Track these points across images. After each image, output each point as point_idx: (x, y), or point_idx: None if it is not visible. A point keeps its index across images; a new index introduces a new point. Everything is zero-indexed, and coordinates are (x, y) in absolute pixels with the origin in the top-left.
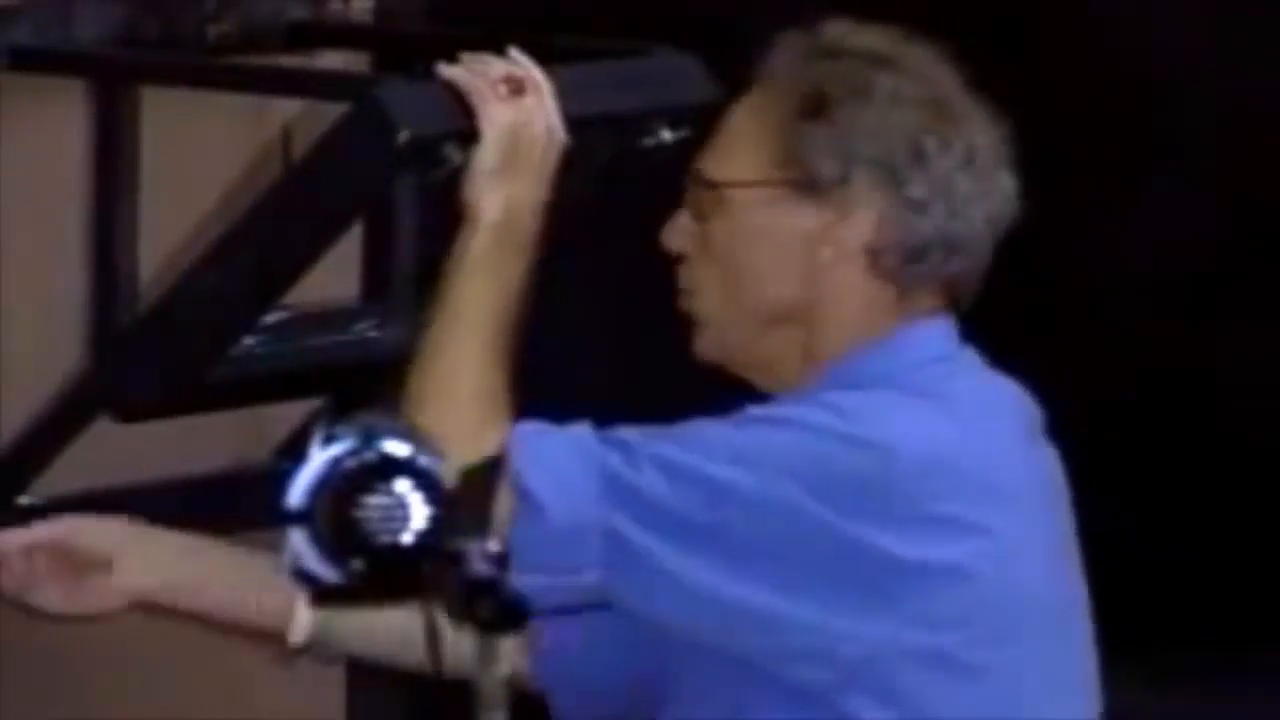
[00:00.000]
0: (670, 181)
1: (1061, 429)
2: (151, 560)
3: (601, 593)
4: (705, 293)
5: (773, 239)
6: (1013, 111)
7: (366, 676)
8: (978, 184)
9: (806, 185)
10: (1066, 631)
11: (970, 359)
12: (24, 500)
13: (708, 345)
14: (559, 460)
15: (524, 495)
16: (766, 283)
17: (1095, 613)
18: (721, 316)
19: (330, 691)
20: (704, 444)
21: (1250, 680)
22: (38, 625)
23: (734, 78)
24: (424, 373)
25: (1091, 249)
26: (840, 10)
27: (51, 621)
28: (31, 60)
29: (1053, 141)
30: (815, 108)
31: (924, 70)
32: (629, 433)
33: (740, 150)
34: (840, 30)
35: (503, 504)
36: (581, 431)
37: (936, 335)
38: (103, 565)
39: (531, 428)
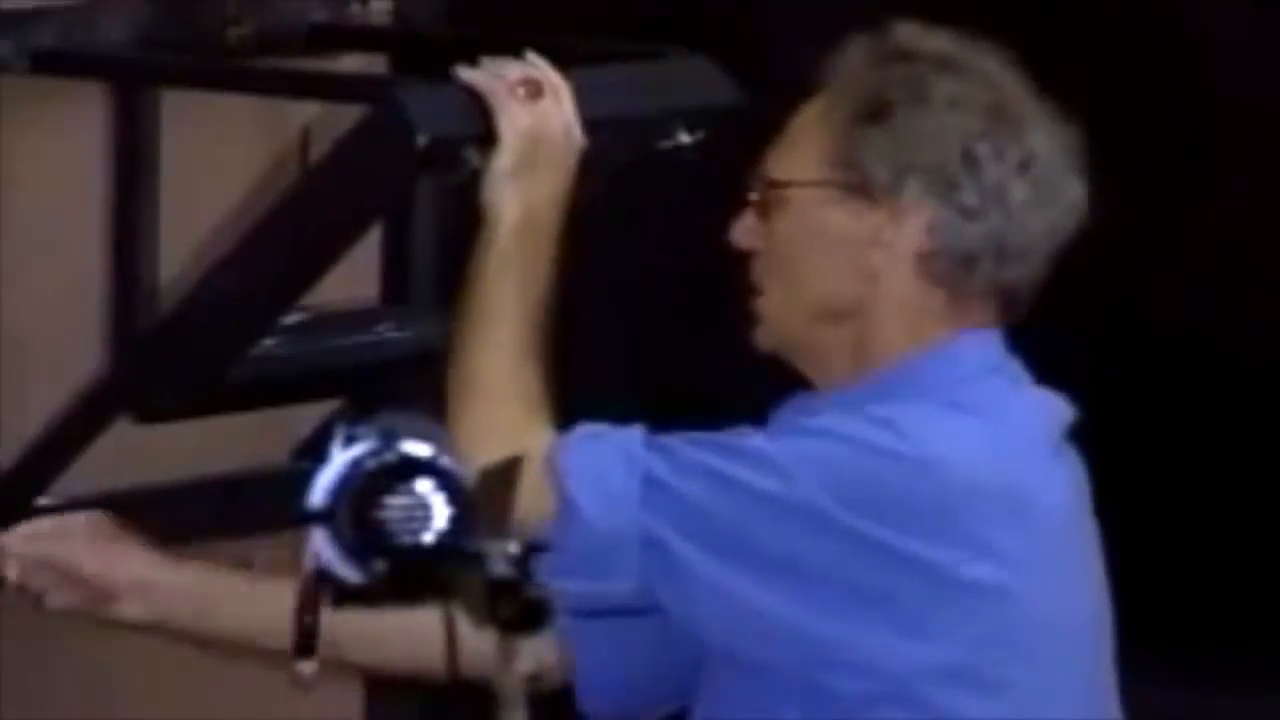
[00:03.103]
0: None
1: (1091, 428)
2: (153, 601)
3: (639, 597)
4: (768, 288)
5: (827, 239)
6: (1076, 117)
7: (384, 678)
8: (1035, 191)
9: (859, 188)
10: (1088, 650)
11: (1015, 372)
12: (45, 500)
13: (765, 336)
14: (603, 465)
15: (566, 499)
16: (820, 280)
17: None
18: (779, 310)
19: (349, 692)
20: (748, 455)
21: (1263, 677)
22: (55, 633)
23: (749, 80)
24: (460, 373)
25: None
26: (868, 15)
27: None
28: (54, 63)
29: (1115, 148)
30: (873, 112)
31: (988, 75)
32: (675, 440)
33: (801, 150)
34: (908, 33)
35: (547, 505)
36: (630, 436)
37: (986, 347)
38: (102, 592)
39: (580, 432)
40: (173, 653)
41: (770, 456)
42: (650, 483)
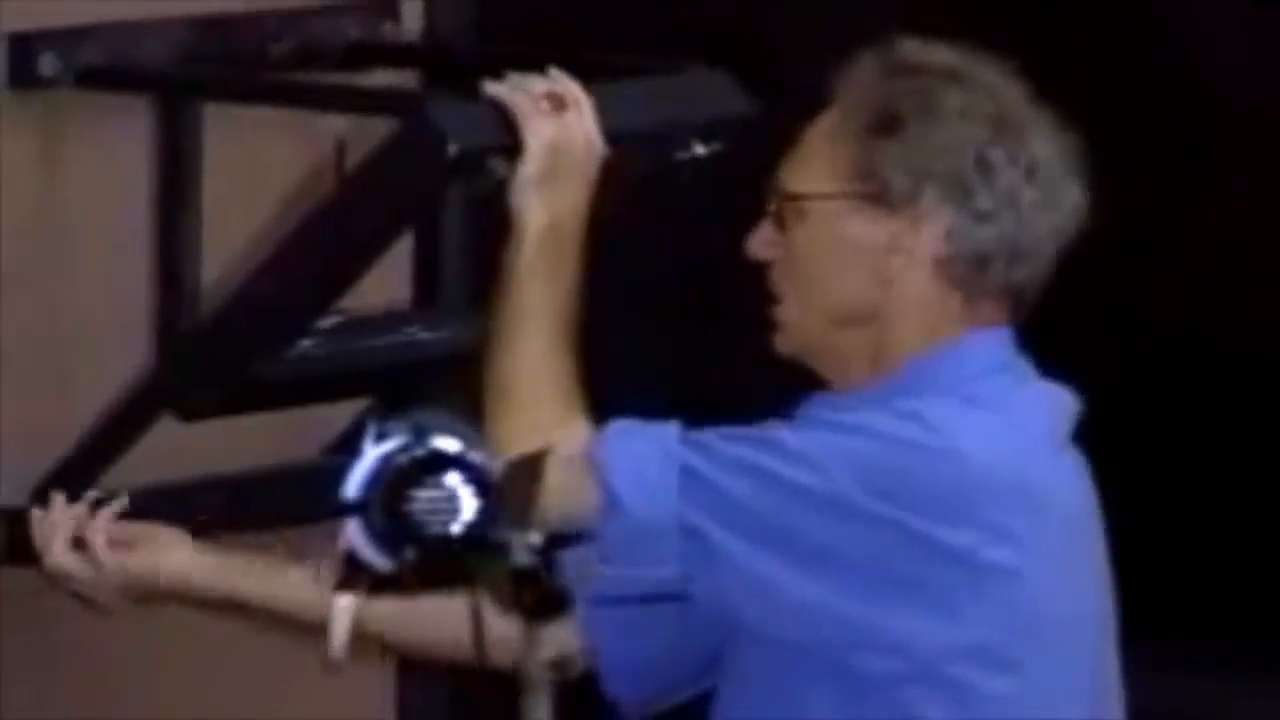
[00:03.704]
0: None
1: (1098, 424)
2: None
3: (679, 585)
4: (786, 296)
5: (846, 247)
6: (1074, 118)
7: (415, 664)
8: (1042, 195)
9: (878, 198)
10: (1095, 633)
11: (1023, 368)
12: (93, 493)
13: (785, 343)
14: (641, 458)
15: (607, 491)
16: (839, 287)
17: (1121, 599)
18: (799, 317)
19: (380, 677)
20: (781, 448)
21: (1257, 664)
22: (80, 621)
23: (764, 93)
24: (497, 373)
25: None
26: (876, 30)
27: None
28: (101, 78)
29: (1113, 150)
30: (887, 125)
31: (991, 85)
32: (709, 434)
33: (817, 164)
34: (912, 48)
35: (588, 498)
36: (665, 430)
37: (995, 345)
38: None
39: (619, 426)
40: (204, 643)
41: (802, 450)
42: (687, 475)
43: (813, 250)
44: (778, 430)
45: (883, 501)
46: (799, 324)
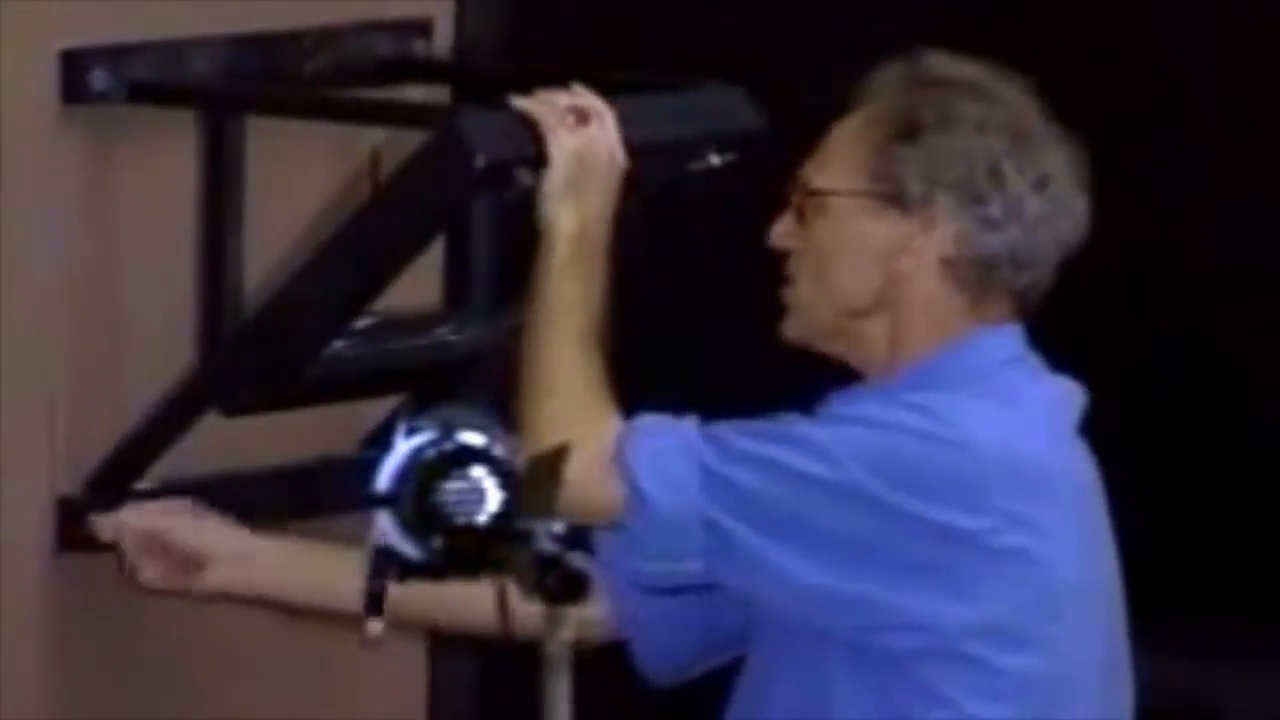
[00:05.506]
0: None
1: (1106, 419)
2: (236, 568)
3: (705, 577)
4: (801, 283)
5: (861, 243)
6: (1077, 119)
7: (445, 642)
8: (1048, 206)
9: (894, 199)
10: (1106, 612)
11: (1035, 363)
12: (142, 485)
13: (792, 326)
14: (665, 455)
15: (634, 488)
16: (851, 280)
17: (1134, 584)
18: (809, 304)
19: (413, 652)
20: (797, 441)
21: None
22: (130, 605)
23: (775, 108)
24: (535, 371)
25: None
26: (887, 49)
27: (148, 595)
28: (148, 93)
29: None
30: (907, 131)
31: (1011, 100)
32: (728, 429)
33: (839, 163)
34: (939, 61)
35: (616, 493)
36: (687, 426)
37: (1008, 340)
38: (195, 561)
39: (643, 424)
40: (245, 618)
41: (817, 442)
42: (708, 470)
43: (828, 244)
44: (793, 423)
45: (894, 490)
46: (809, 310)
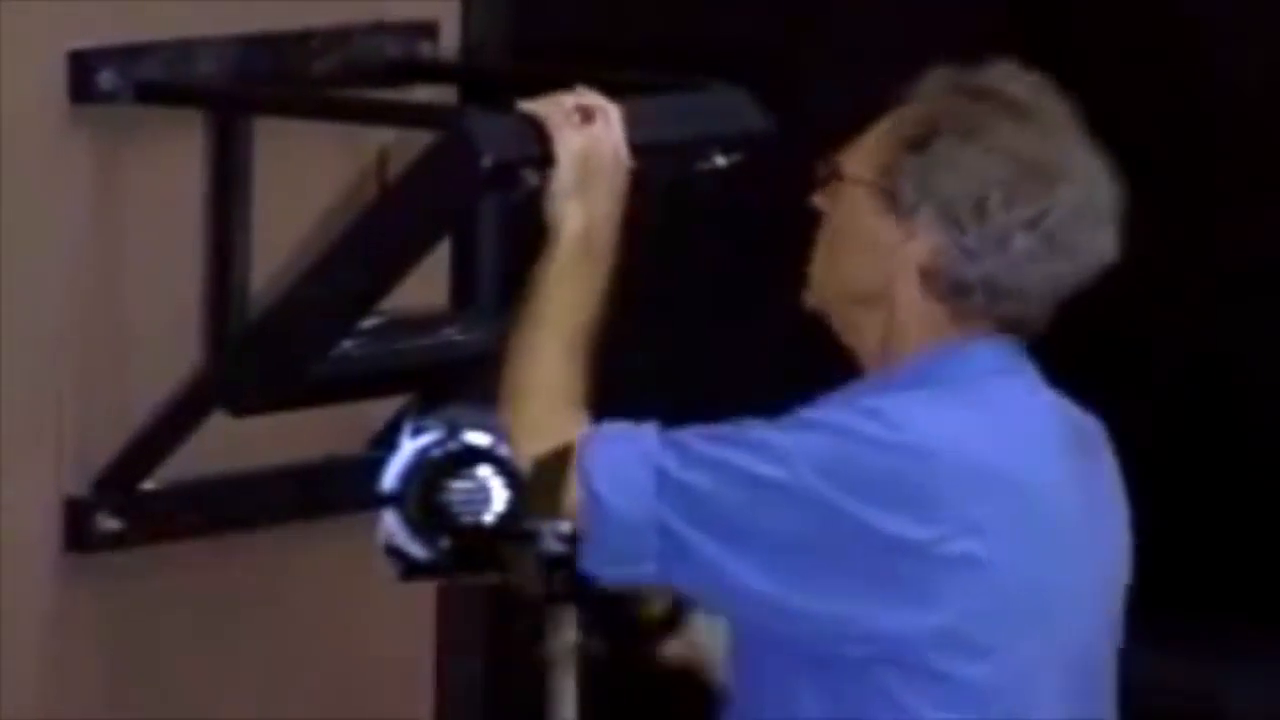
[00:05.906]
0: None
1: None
2: None
3: (662, 580)
4: (818, 256)
5: (864, 235)
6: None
7: (452, 642)
8: (1040, 245)
9: (891, 200)
10: (1070, 618)
11: (1030, 377)
12: (148, 485)
13: (810, 295)
14: (622, 461)
15: (590, 492)
16: (853, 267)
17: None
18: (821, 279)
19: (420, 652)
20: (752, 444)
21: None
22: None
23: (779, 109)
24: (517, 370)
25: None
26: (891, 57)
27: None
28: (157, 93)
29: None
30: (920, 138)
31: (1044, 124)
32: (685, 434)
33: (864, 152)
34: (998, 72)
35: (575, 496)
36: (645, 432)
37: (999, 351)
38: None
39: (604, 430)
40: (248, 624)
41: (774, 446)
42: (664, 475)
43: (841, 226)
44: (752, 427)
45: (845, 495)
46: (821, 285)
